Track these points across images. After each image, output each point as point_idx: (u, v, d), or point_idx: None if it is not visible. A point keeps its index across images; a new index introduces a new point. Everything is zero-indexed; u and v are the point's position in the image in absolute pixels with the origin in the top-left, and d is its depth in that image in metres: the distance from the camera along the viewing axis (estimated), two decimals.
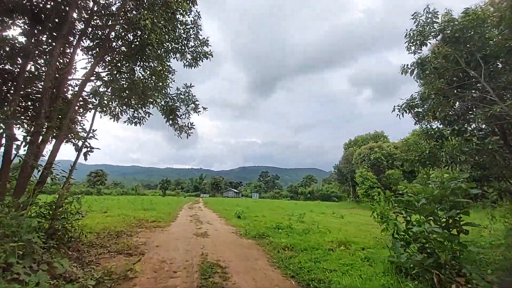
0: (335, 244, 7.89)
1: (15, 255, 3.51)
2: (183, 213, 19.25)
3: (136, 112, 9.40)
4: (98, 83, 7.69)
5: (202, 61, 10.17)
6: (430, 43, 9.45)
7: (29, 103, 7.90)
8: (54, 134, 6.30)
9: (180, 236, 9.17)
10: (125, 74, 7.92)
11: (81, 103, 7.41)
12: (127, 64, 7.62)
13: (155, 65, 8.52)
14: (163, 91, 8.82)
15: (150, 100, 8.77)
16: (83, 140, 6.52)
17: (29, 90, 7.82)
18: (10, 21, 7.52)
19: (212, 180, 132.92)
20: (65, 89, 7.00)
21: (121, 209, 18.67)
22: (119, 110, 8.75)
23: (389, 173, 37.07)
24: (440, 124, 10.84)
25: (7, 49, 7.57)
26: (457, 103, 9.81)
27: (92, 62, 7.28)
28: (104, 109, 8.38)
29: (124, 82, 8.36)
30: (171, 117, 9.05)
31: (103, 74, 7.70)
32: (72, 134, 6.58)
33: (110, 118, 8.72)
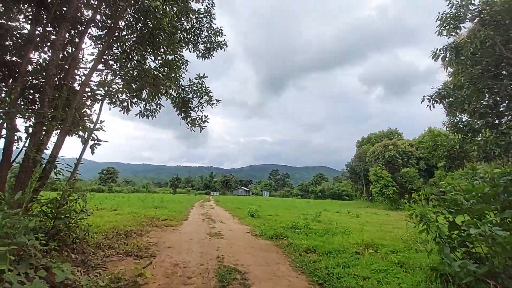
0: (361, 247, 7.19)
1: (6, 260, 3.02)
2: (194, 211, 18.85)
3: (148, 105, 8.92)
4: (106, 71, 7.21)
5: (216, 51, 9.64)
6: (464, 27, 8.61)
7: (36, 96, 7.53)
8: (59, 125, 5.83)
9: (193, 236, 8.66)
10: (135, 62, 7.42)
11: (89, 93, 6.95)
12: (137, 51, 7.09)
13: (167, 52, 8.01)
14: (176, 82, 8.28)
15: (162, 91, 8.25)
16: (89, 132, 6.03)
17: (36, 81, 7.46)
18: (16, 10, 7.15)
19: (222, 178, 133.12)
20: (72, 79, 6.53)
21: (131, 207, 18.42)
22: (129, 101, 8.28)
23: (404, 171, 35.73)
24: (469, 117, 10.00)
25: (14, 39, 7.21)
26: (487, 95, 8.97)
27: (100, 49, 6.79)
28: (113, 100, 7.92)
29: (134, 72, 7.91)
30: (183, 109, 8.51)
31: (112, 62, 7.19)
32: (80, 126, 6.12)
33: (120, 110, 8.27)
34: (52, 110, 5.72)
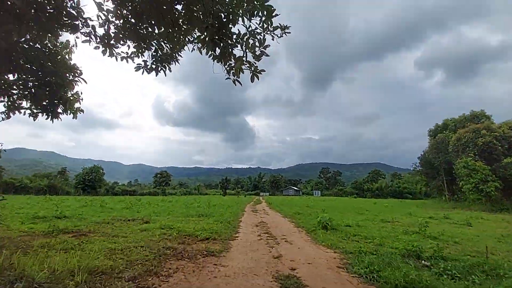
0: None
1: None
2: (246, 219, 14.88)
3: (159, 49, 5.02)
4: None
5: None
6: None
7: None
8: None
9: (249, 287, 4.49)
10: None
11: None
12: None
13: None
14: None
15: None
16: None
17: None
18: None
19: (271, 178, 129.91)
20: None
21: (171, 214, 15.16)
22: (123, 37, 4.41)
23: (508, 161, 27.24)
24: None
25: None
26: None
27: None
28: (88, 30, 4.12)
29: None
30: (219, 40, 4.34)
31: None
32: None
33: (105, 54, 4.47)
34: None
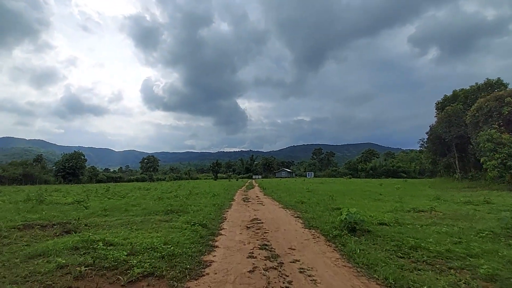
0: None
1: None
2: (233, 216, 10.69)
3: None
4: None
5: None
6: None
7: None
8: None
9: None
10: None
11: None
12: None
13: None
14: None
15: None
16: None
17: None
18: None
19: (263, 161, 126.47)
20: None
21: (128, 211, 10.88)
22: None
23: None
24: None
25: None
26: None
27: None
28: None
29: None
30: None
31: None
32: None
33: None
34: None
